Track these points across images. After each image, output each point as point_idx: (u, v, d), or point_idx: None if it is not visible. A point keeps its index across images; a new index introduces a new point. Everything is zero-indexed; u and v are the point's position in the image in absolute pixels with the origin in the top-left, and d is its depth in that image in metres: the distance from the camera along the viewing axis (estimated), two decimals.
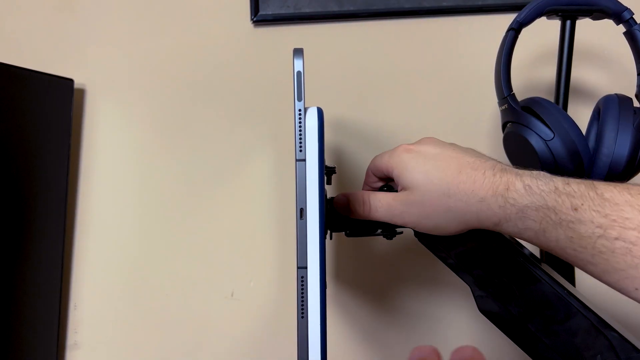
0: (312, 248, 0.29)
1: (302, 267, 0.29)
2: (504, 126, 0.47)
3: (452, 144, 0.37)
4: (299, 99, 0.28)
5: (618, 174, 0.42)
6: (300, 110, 0.28)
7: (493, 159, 0.35)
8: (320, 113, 0.29)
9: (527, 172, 0.33)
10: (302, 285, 0.29)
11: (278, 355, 0.58)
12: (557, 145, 0.42)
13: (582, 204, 0.30)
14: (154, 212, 0.59)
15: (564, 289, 0.34)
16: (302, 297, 0.29)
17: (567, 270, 0.50)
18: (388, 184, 0.41)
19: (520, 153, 0.44)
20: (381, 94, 0.59)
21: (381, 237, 0.41)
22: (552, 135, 0.42)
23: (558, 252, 0.32)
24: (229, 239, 0.58)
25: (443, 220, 0.34)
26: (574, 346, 0.32)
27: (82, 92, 0.61)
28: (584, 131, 0.43)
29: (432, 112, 0.59)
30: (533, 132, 0.43)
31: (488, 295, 0.35)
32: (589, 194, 0.30)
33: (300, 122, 0.28)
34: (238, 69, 0.60)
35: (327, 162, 0.40)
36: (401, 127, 0.59)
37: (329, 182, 0.41)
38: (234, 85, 0.60)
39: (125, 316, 0.58)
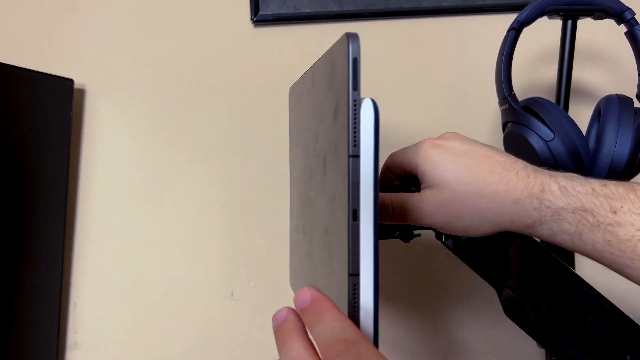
0: (365, 254, 0.27)
1: (354, 275, 0.26)
2: (504, 126, 0.47)
3: (476, 141, 0.35)
4: (355, 88, 0.25)
5: (618, 175, 0.42)
6: (355, 100, 0.25)
7: (521, 159, 0.34)
8: (375, 104, 0.26)
9: (559, 173, 0.32)
10: (355, 293, 0.26)
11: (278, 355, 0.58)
12: (557, 145, 0.42)
13: (622, 207, 0.29)
14: (154, 211, 0.59)
15: (593, 290, 0.33)
16: (355, 307, 0.27)
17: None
18: (404, 183, 0.39)
19: (521, 153, 0.44)
20: (381, 94, 0.59)
21: (396, 239, 0.40)
22: (553, 136, 0.42)
23: (593, 255, 0.31)
24: (229, 239, 0.58)
25: (474, 221, 0.33)
26: (604, 347, 0.31)
27: (82, 92, 0.61)
28: (584, 131, 0.43)
29: (432, 112, 0.59)
30: (533, 132, 0.42)
31: (516, 297, 0.34)
32: (628, 196, 0.29)
33: (355, 114, 0.25)
34: (238, 69, 0.60)
35: None
36: (401, 126, 0.58)
37: None
38: (234, 85, 0.60)
39: (125, 316, 0.58)
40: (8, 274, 0.52)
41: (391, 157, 0.38)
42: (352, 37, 0.25)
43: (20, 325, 0.54)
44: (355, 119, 0.25)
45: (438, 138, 0.36)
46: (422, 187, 0.35)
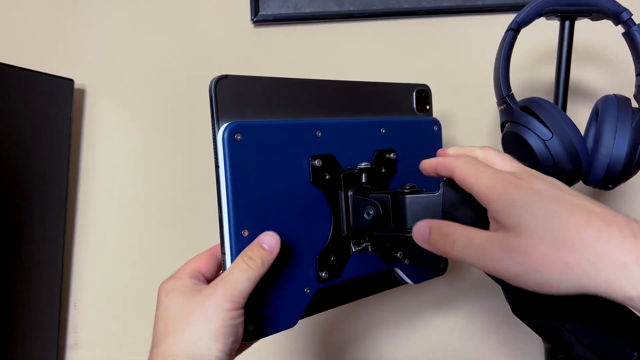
0: (226, 237, 0.35)
1: (222, 253, 0.35)
2: (502, 126, 0.47)
3: (560, 182, 0.30)
4: (212, 117, 0.36)
5: (616, 175, 0.42)
6: (213, 127, 0.36)
7: (621, 213, 0.28)
8: (230, 129, 0.35)
9: None
10: (223, 252, 0.36)
11: (278, 354, 0.58)
12: (555, 145, 0.42)
13: None
14: (154, 211, 0.59)
15: None
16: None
17: None
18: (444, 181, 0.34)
19: (519, 153, 0.44)
20: None
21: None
22: (551, 135, 0.42)
23: None
24: None
25: (555, 278, 0.27)
26: (612, 344, 0.31)
27: (82, 92, 0.61)
28: (582, 131, 0.43)
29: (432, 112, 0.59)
30: (532, 132, 0.43)
31: (523, 295, 0.33)
32: None
33: (214, 136, 0.36)
34: (238, 69, 0.60)
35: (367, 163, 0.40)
36: None
37: (379, 183, 0.40)
38: None
39: (125, 316, 0.58)
40: (8, 274, 0.52)
41: (453, 166, 0.33)
42: (213, 80, 0.36)
43: (20, 325, 0.54)
44: (215, 139, 0.36)
45: (518, 177, 0.30)
46: (491, 228, 0.30)
